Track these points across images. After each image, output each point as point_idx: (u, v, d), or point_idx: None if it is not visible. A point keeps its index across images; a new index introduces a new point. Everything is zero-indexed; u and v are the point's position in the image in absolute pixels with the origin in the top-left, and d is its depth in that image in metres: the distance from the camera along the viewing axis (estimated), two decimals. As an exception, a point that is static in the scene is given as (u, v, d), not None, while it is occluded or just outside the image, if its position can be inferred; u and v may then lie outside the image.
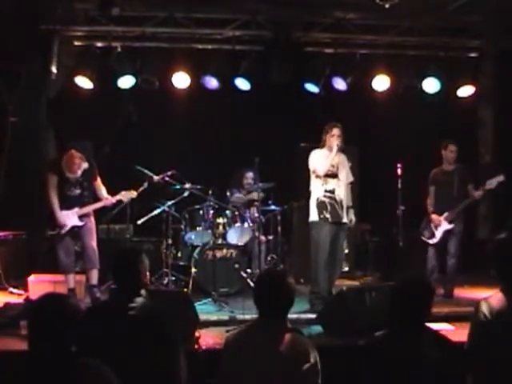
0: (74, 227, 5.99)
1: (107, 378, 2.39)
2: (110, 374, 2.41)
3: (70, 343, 2.41)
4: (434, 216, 6.73)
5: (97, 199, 6.20)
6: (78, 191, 6.07)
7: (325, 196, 6.13)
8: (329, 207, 6.10)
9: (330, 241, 6.10)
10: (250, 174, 7.61)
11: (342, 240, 6.28)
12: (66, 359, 2.37)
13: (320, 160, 6.19)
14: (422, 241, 6.81)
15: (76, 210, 6.01)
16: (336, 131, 6.20)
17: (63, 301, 2.50)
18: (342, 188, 6.20)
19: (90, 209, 6.12)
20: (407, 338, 2.75)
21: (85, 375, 2.35)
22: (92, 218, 6.15)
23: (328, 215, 6.09)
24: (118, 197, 6.26)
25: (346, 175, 6.29)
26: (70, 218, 5.99)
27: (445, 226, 6.64)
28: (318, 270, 6.08)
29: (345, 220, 6.21)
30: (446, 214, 6.65)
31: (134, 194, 6.35)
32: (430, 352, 2.68)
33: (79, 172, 6.00)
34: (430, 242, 6.74)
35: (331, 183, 6.17)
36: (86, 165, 6.01)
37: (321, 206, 6.11)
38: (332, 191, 6.16)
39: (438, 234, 6.68)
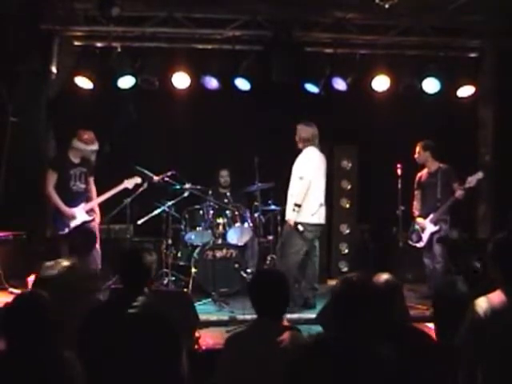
0: (83, 223, 6.01)
1: (76, 370, 2.46)
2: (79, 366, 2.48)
3: (49, 337, 2.44)
4: (419, 220, 6.69)
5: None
6: (83, 186, 6.10)
7: None
8: None
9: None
10: (224, 172, 7.77)
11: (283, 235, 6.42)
12: (45, 354, 2.39)
13: None
14: (410, 245, 6.76)
15: (82, 205, 6.04)
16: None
17: (37, 299, 2.52)
18: (291, 184, 6.31)
19: (96, 202, 6.14)
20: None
21: (63, 367, 2.40)
22: (96, 218, 6.18)
23: None
24: (122, 186, 6.29)
25: (294, 171, 6.32)
26: (77, 216, 5.99)
27: (430, 228, 6.56)
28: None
29: (287, 217, 6.32)
30: (430, 216, 6.56)
31: (137, 179, 6.38)
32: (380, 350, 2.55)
33: (96, 144, 6.04)
34: (418, 245, 6.69)
35: None
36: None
37: None
38: None
39: (425, 237, 6.60)
